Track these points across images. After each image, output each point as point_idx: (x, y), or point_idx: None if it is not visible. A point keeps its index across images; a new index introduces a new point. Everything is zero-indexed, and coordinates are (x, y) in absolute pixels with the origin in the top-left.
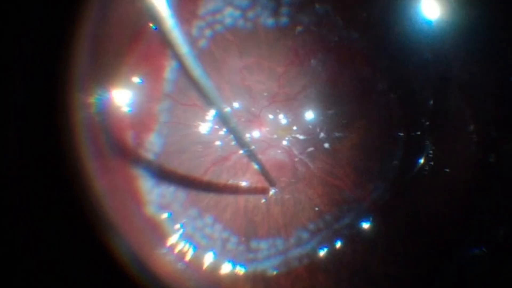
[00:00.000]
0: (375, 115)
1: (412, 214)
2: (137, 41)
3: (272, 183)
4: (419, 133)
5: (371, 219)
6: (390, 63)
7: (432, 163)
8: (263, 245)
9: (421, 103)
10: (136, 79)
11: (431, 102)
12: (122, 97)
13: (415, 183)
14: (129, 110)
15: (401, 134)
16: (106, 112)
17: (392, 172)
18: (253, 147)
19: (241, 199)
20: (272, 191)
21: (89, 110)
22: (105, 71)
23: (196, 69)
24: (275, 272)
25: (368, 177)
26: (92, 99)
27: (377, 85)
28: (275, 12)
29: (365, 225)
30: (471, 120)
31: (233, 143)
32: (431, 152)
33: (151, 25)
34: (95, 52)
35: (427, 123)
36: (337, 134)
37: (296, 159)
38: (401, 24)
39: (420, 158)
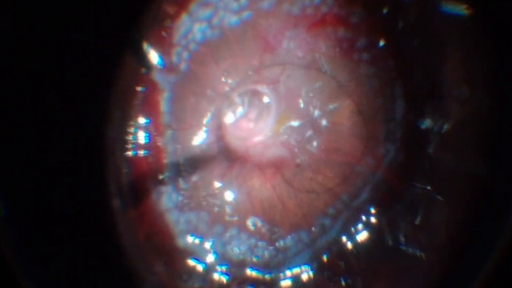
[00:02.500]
0: (364, 74)
1: (432, 170)
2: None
3: None
4: (417, 80)
5: (390, 186)
6: (363, 14)
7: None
8: (290, 242)
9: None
10: (142, 120)
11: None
12: (135, 139)
13: (427, 135)
14: (144, 152)
15: (399, 86)
16: (128, 157)
17: (399, 130)
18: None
19: (256, 202)
20: None
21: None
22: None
23: None
24: (309, 269)
25: (375, 142)
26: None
27: (356, 42)
28: (237, 10)
29: (386, 195)
30: None
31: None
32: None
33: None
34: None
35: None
36: (331, 107)
37: (296, 149)
38: None
39: (425, 106)
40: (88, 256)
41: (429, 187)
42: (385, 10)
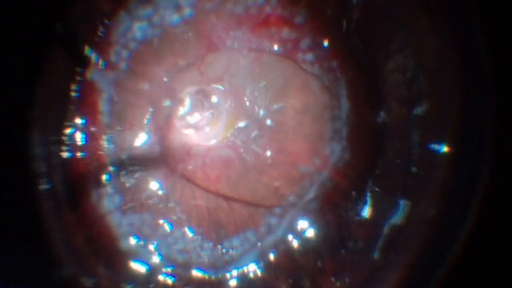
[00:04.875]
0: (307, 73)
1: (378, 167)
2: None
3: None
4: (362, 76)
5: (335, 185)
6: (307, 15)
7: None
8: (236, 242)
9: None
10: (78, 121)
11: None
12: (72, 140)
13: (372, 133)
14: (82, 154)
15: (344, 85)
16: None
17: (345, 128)
18: None
19: (201, 202)
20: None
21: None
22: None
23: None
24: (256, 268)
25: (321, 142)
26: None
27: (300, 42)
28: (177, 8)
29: (332, 193)
30: None
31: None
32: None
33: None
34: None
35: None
36: (276, 106)
37: (242, 150)
38: None
39: (371, 103)
40: (21, 262)
41: (374, 184)
42: (329, 11)
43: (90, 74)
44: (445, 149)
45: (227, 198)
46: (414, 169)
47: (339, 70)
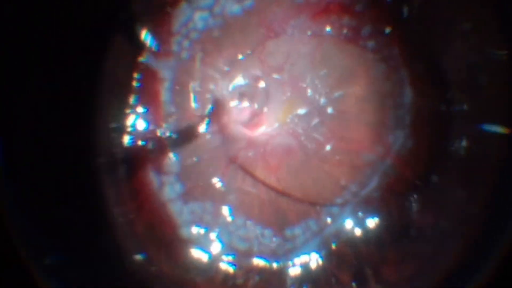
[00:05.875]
0: (370, 60)
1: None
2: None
3: None
4: (424, 63)
5: (399, 173)
6: (368, 2)
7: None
8: (298, 230)
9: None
10: (140, 109)
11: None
12: (134, 128)
13: (435, 120)
14: (143, 142)
15: (406, 72)
16: (124, 146)
17: (408, 116)
18: None
19: (262, 191)
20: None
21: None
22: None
23: None
24: (317, 257)
25: (384, 129)
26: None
27: (361, 29)
28: None
29: (395, 182)
30: None
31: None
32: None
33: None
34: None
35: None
36: (337, 94)
37: (303, 138)
38: None
39: (434, 90)
40: (85, 249)
41: (437, 173)
42: None
43: (151, 63)
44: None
45: (285, 194)
46: (477, 157)
47: (401, 57)
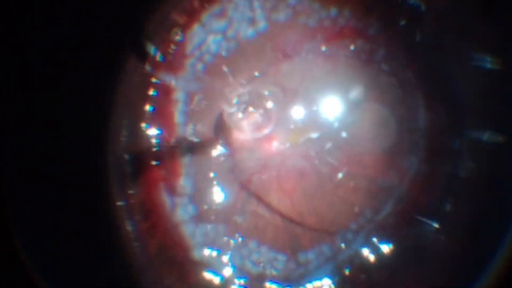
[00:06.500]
0: (384, 85)
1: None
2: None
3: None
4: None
5: (413, 199)
6: (381, 26)
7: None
8: (311, 255)
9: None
10: (154, 131)
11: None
12: (147, 150)
13: (450, 145)
14: (156, 162)
15: (420, 96)
16: (139, 167)
17: (423, 141)
18: None
19: (276, 215)
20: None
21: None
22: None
23: None
24: (330, 283)
25: (398, 155)
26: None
27: (375, 53)
28: (252, 21)
29: (409, 208)
30: None
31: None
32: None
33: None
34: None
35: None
36: (351, 118)
37: (316, 161)
38: None
39: (449, 115)
40: (97, 268)
41: (451, 199)
42: (402, 22)
43: (165, 84)
44: None
45: (299, 220)
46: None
47: (415, 81)
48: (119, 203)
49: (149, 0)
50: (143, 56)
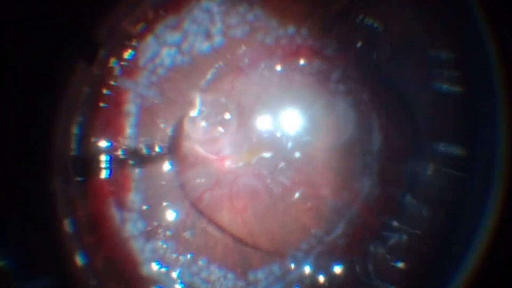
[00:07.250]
0: (339, 105)
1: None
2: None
3: None
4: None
5: (364, 221)
6: (338, 47)
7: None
8: (261, 274)
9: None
10: (103, 143)
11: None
12: (96, 163)
13: (403, 168)
14: (106, 176)
15: (375, 118)
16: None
17: (376, 163)
18: None
19: (226, 233)
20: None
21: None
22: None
23: None
24: None
25: (351, 176)
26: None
27: (331, 74)
28: (208, 36)
29: (360, 229)
30: None
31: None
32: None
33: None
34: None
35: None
36: (305, 139)
37: (269, 181)
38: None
39: (403, 139)
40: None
41: (403, 221)
42: (359, 43)
43: (116, 96)
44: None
45: (250, 241)
46: (444, 207)
47: (370, 103)
48: (65, 217)
49: (100, 5)
50: (92, 62)
